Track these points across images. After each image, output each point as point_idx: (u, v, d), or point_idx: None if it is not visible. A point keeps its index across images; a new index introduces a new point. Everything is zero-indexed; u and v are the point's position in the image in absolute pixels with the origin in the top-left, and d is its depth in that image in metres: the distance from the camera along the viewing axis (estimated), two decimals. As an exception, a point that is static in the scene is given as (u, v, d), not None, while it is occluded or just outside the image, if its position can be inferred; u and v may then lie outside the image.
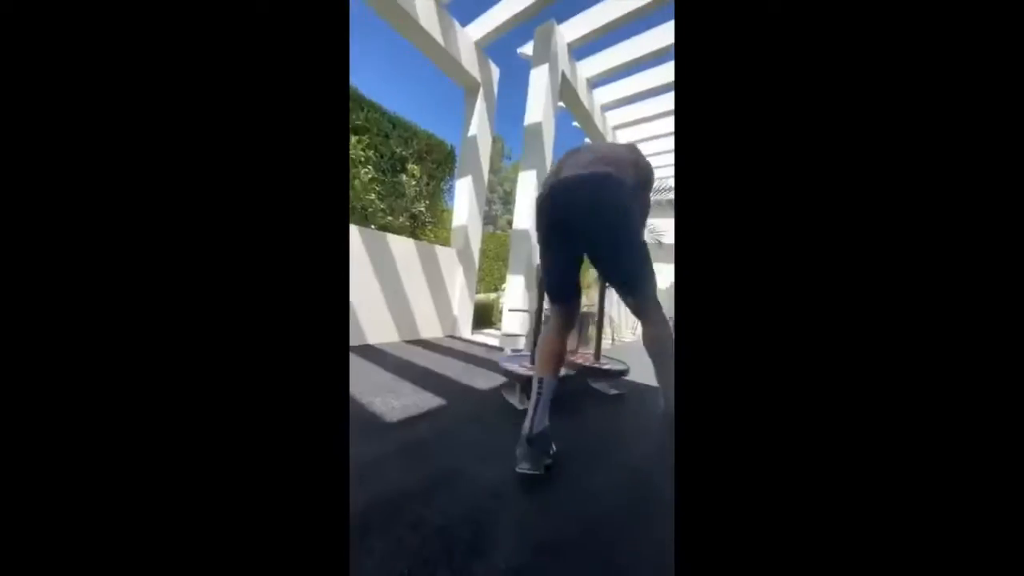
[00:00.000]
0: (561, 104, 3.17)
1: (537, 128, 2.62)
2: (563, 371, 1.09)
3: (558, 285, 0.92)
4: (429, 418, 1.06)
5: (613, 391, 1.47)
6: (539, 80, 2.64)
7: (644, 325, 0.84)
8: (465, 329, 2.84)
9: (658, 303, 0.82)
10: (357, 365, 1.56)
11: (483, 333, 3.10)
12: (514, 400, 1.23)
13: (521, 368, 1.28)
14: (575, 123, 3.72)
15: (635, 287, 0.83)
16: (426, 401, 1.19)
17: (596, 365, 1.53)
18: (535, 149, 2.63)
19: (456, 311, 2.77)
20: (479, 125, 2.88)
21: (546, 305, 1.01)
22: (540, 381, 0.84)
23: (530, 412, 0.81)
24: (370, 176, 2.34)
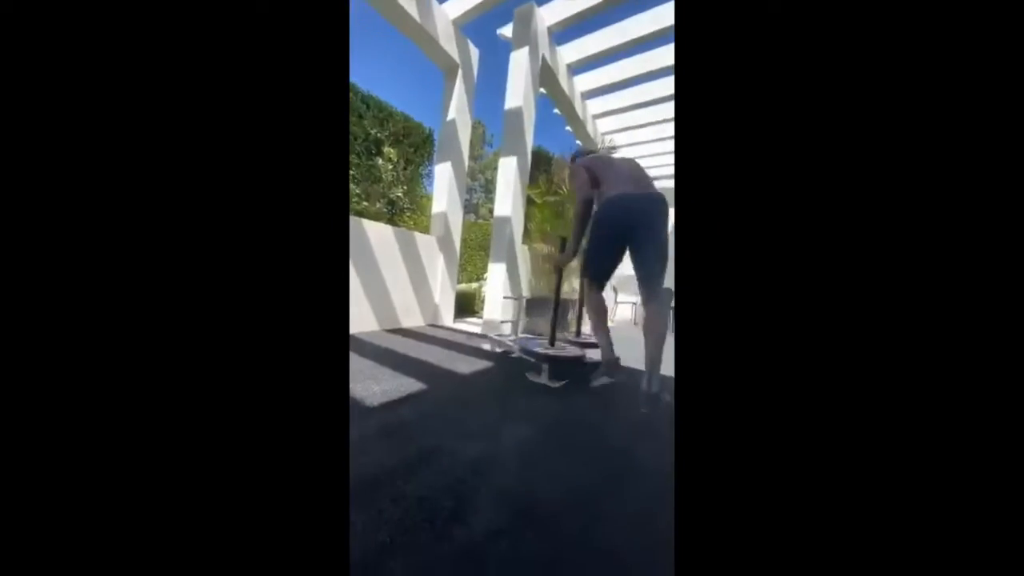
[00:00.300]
0: (542, 90, 3.14)
1: (518, 113, 2.58)
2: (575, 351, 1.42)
3: (607, 272, 1.26)
4: (410, 401, 1.06)
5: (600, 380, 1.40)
6: (519, 63, 2.60)
7: (648, 312, 1.14)
8: (447, 318, 2.82)
9: (661, 296, 1.10)
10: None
11: (466, 322, 3.10)
12: (543, 379, 1.31)
13: (548, 350, 1.40)
14: (556, 110, 3.70)
15: (654, 282, 1.13)
16: (407, 386, 1.18)
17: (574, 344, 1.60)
18: (516, 135, 2.60)
19: (438, 299, 2.74)
20: (458, 108, 2.80)
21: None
22: (605, 339, 1.27)
23: (604, 356, 1.26)
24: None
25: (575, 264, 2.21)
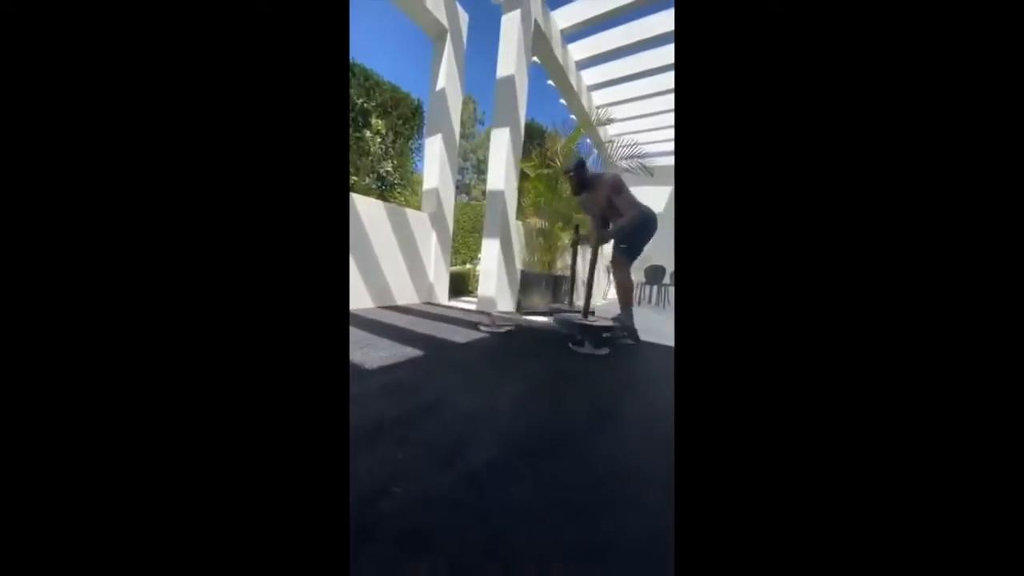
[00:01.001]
0: (535, 59, 3.00)
1: (510, 81, 2.48)
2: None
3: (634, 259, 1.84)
4: (410, 365, 1.08)
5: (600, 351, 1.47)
6: (511, 28, 2.47)
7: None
8: (442, 296, 2.82)
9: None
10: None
11: (461, 300, 3.10)
12: (588, 350, 1.44)
13: (583, 320, 1.59)
14: (550, 81, 3.56)
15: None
16: (406, 352, 1.20)
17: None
18: (508, 105, 2.52)
19: (432, 278, 2.73)
20: (448, 76, 2.67)
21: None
22: (629, 313, 1.77)
23: (628, 324, 1.72)
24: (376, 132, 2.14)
25: (566, 242, 2.48)
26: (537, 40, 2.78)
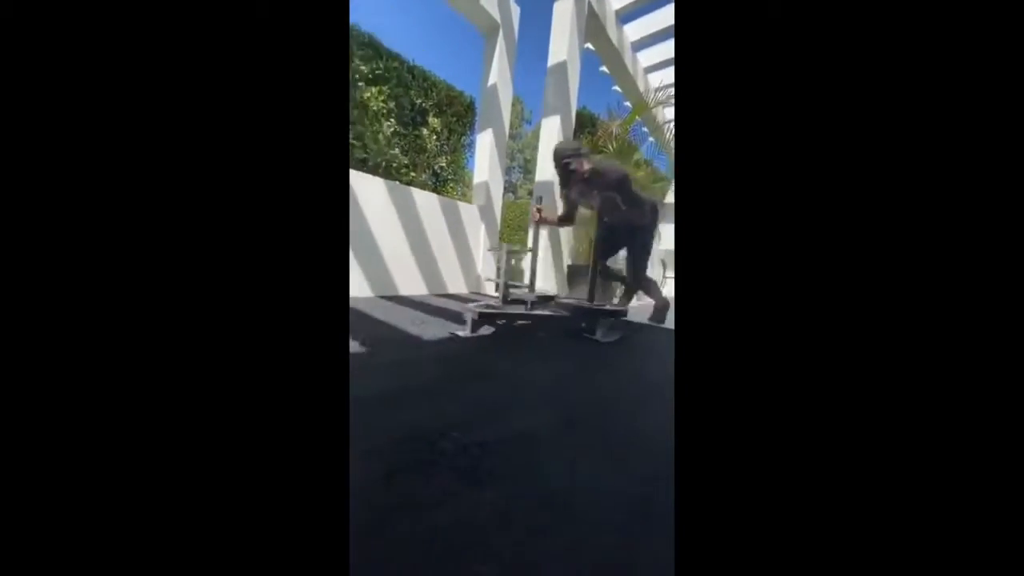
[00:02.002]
0: (588, 46, 2.91)
1: (562, 68, 2.45)
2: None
3: None
4: (462, 340, 1.14)
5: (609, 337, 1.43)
6: (564, 13, 2.43)
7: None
8: (489, 287, 2.90)
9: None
10: (396, 309, 1.67)
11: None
12: (612, 336, 1.44)
13: (608, 307, 1.61)
14: (603, 67, 3.43)
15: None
16: (459, 329, 1.27)
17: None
18: (560, 93, 2.48)
19: (480, 269, 2.82)
20: (499, 72, 2.73)
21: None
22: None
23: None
24: (392, 129, 2.34)
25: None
26: (591, 24, 2.69)
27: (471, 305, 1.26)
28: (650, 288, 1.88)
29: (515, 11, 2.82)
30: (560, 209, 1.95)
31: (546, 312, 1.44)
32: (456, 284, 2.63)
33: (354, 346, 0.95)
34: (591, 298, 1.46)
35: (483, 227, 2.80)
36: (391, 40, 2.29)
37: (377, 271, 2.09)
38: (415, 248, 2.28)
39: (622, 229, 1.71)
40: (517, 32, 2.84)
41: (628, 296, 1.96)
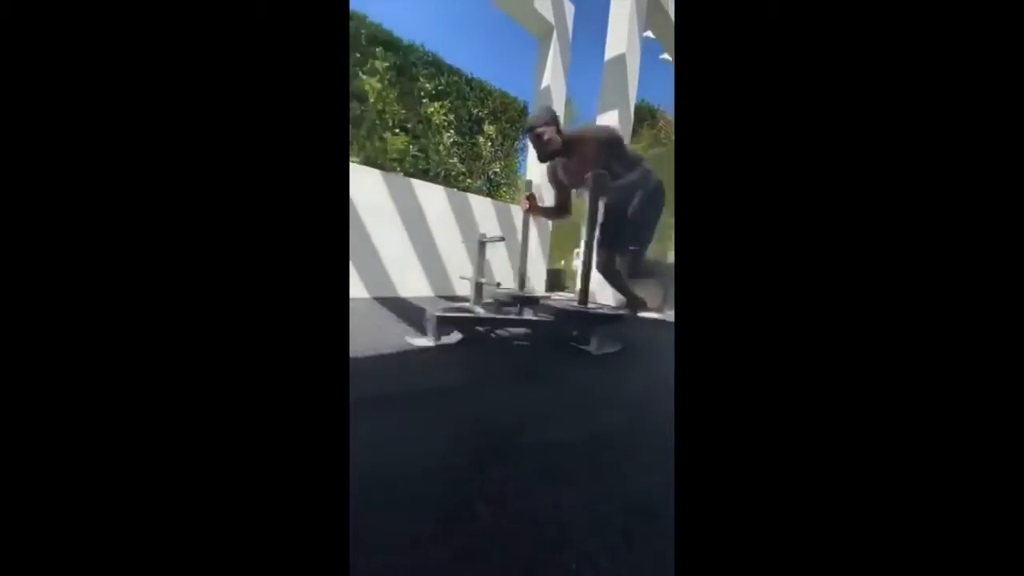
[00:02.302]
0: (649, 34, 2.74)
1: (620, 61, 2.34)
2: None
3: None
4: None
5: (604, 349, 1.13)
6: (622, 4, 2.32)
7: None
8: (539, 289, 2.91)
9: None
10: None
11: (557, 295, 3.13)
12: (610, 347, 1.20)
13: (606, 309, 1.44)
14: (663, 55, 3.19)
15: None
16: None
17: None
18: (617, 87, 2.38)
19: (530, 271, 2.85)
20: (553, 73, 2.73)
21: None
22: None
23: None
24: (452, 140, 2.49)
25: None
26: (652, 10, 2.53)
27: (433, 309, 1.06)
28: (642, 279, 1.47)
29: (569, 10, 2.79)
30: (552, 199, 1.56)
31: (530, 316, 1.21)
32: (505, 285, 2.69)
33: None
34: (583, 299, 1.16)
35: (534, 230, 2.82)
36: (452, 55, 2.44)
37: (436, 272, 2.25)
38: (470, 250, 2.40)
39: (626, 206, 1.31)
40: (572, 30, 2.81)
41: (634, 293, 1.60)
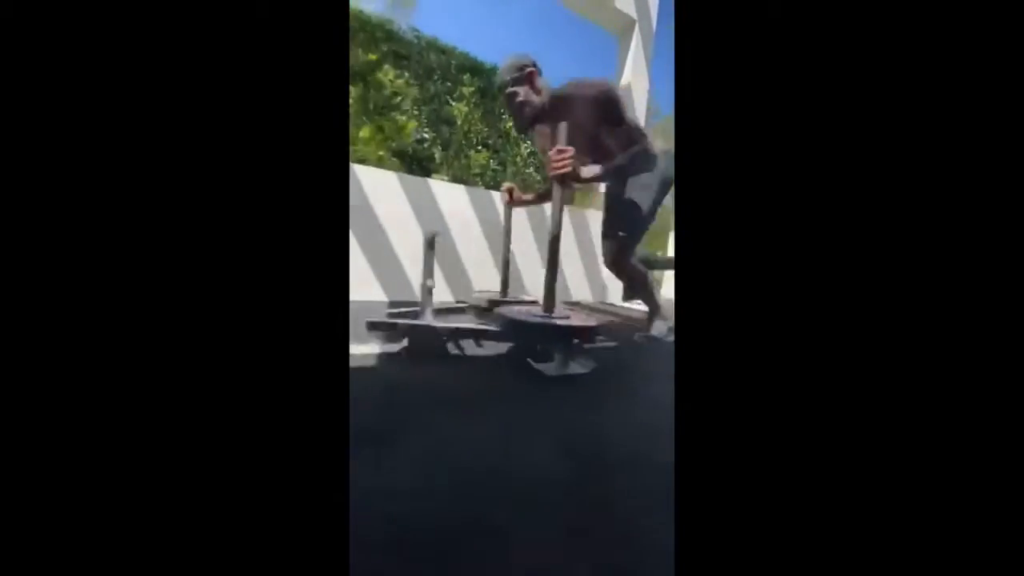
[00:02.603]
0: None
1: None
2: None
3: None
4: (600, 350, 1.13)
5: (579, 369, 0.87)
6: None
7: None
8: (615, 296, 2.76)
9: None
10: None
11: (635, 303, 2.91)
12: (555, 366, 0.93)
13: (545, 318, 1.11)
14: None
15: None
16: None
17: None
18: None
19: (605, 278, 2.72)
20: (635, 71, 2.58)
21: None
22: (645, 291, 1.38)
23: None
24: (528, 151, 2.58)
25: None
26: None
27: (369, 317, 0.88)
28: (635, 279, 1.12)
29: (653, 3, 2.61)
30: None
31: (486, 326, 0.97)
32: (581, 293, 2.63)
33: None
34: (548, 306, 0.90)
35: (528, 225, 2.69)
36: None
37: (513, 276, 2.35)
38: (544, 257, 2.43)
39: (631, 190, 0.98)
40: (656, 22, 2.62)
41: (633, 293, 1.26)
